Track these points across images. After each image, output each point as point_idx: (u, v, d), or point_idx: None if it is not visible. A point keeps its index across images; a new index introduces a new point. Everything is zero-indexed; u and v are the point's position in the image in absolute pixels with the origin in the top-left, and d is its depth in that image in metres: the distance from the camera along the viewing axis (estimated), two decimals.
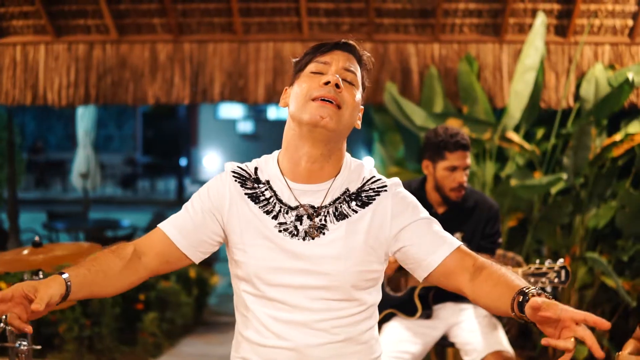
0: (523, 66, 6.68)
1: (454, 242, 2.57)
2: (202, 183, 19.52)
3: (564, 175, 6.43)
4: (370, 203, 2.58)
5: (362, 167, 2.68)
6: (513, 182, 6.46)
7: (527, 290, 2.23)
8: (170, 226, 2.62)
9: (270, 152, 2.78)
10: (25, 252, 3.48)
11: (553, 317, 2.10)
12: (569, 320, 2.08)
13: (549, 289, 3.96)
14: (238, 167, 2.68)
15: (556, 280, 3.93)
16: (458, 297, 4.44)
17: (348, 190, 2.60)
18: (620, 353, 3.77)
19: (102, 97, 7.16)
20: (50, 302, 2.28)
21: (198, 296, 8.34)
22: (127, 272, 2.55)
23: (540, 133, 7.16)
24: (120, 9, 6.97)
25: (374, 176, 2.65)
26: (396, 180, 2.67)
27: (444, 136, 4.38)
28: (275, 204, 2.58)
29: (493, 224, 4.45)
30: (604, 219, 6.74)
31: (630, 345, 3.86)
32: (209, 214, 2.62)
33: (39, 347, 3.27)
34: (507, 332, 5.95)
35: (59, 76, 7.13)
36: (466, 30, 7.10)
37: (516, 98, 6.68)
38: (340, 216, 2.56)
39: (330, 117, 2.47)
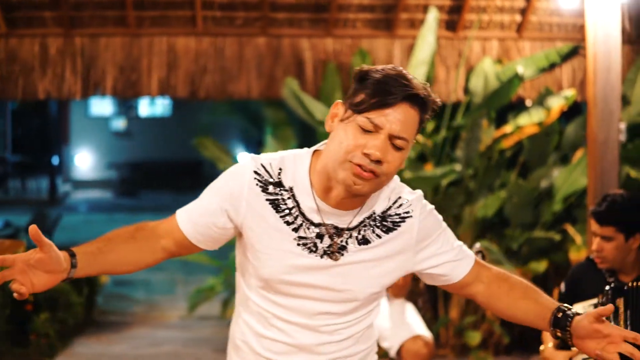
0: (416, 60, 6.83)
1: (470, 255, 2.61)
2: (74, 182, 18.91)
3: (458, 167, 6.61)
4: (395, 229, 2.51)
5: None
6: (407, 174, 6.59)
7: (565, 309, 2.45)
8: (185, 218, 2.53)
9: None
10: None
11: (604, 332, 2.36)
12: (618, 337, 2.36)
13: None
14: (262, 165, 2.49)
15: None
16: None
17: (374, 212, 2.51)
18: (543, 348, 3.88)
19: None
20: (52, 269, 2.27)
21: (88, 295, 8.19)
22: (143, 252, 2.51)
23: (431, 126, 7.33)
24: (11, 1, 6.75)
25: (399, 197, 2.54)
26: (419, 197, 2.57)
27: None
28: (297, 216, 2.47)
29: None
30: (492, 208, 6.95)
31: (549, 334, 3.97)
32: (224, 216, 2.49)
33: None
34: None
35: None
36: (359, 25, 7.20)
37: None
38: (363, 241, 2.49)
39: (364, 185, 2.35)
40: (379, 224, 2.51)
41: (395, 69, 2.38)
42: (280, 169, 2.49)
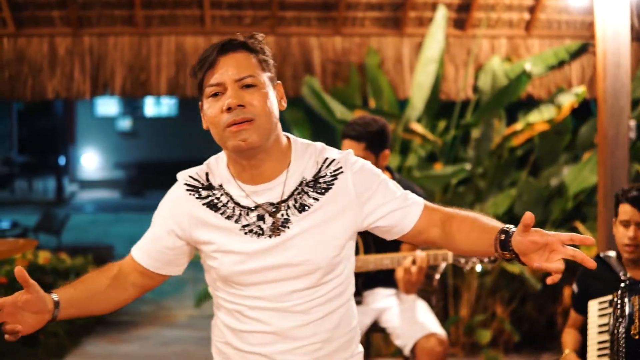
0: (425, 58, 6.83)
1: (418, 201, 2.64)
2: (80, 182, 18.92)
3: (468, 166, 6.60)
4: (330, 188, 2.56)
5: (312, 148, 2.63)
6: (417, 173, 6.59)
7: (507, 229, 2.39)
8: (140, 252, 2.68)
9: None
10: None
11: (541, 242, 2.27)
12: (556, 243, 2.26)
13: (478, 267, 4.08)
14: (190, 176, 2.65)
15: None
16: (387, 283, 4.50)
17: (304, 179, 2.57)
18: (565, 355, 3.89)
19: None
20: (39, 309, 2.41)
21: None
22: (114, 290, 2.65)
23: (442, 125, 7.32)
24: (19, 2, 6.75)
25: (327, 158, 2.61)
26: (347, 153, 2.65)
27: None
28: (234, 207, 2.56)
29: None
30: (502, 207, 6.94)
31: (569, 337, 3.99)
32: (171, 236, 2.64)
33: None
34: None
35: None
36: (368, 24, 7.20)
37: (419, 90, 6.82)
38: (302, 208, 2.54)
39: (250, 135, 2.45)
40: (312, 188, 2.58)
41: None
42: (207, 173, 2.63)
